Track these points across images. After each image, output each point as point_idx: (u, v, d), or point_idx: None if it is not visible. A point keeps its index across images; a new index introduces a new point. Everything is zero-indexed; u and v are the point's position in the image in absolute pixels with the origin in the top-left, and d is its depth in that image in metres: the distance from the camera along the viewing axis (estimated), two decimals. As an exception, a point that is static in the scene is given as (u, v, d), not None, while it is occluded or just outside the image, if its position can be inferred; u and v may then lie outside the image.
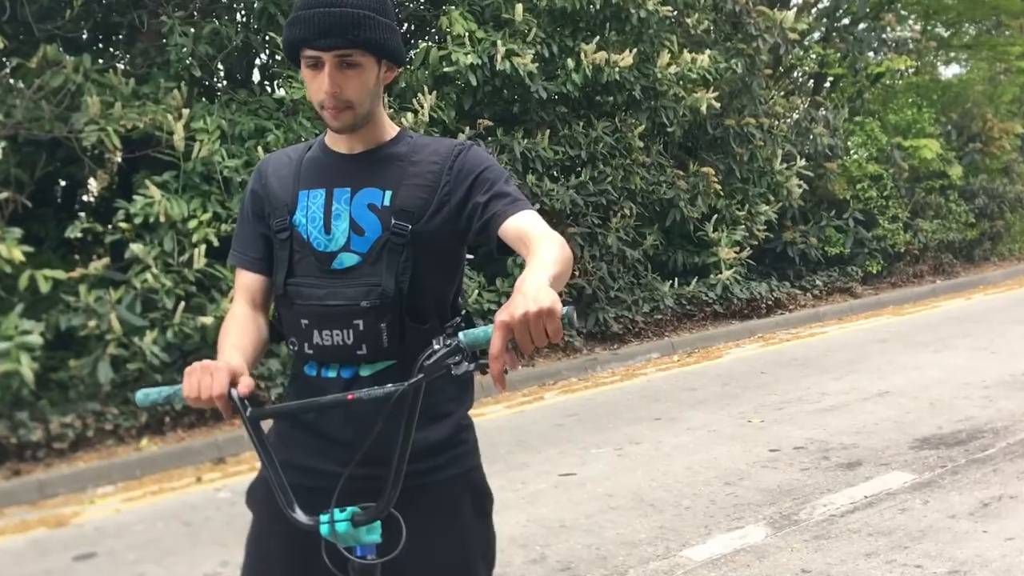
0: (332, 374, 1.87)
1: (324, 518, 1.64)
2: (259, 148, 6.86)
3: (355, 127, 1.85)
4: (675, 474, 5.13)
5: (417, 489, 1.79)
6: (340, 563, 1.68)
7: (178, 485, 5.65)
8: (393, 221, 1.84)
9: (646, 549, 4.11)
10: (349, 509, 1.66)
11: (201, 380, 1.69)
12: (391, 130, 1.95)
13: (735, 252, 10.22)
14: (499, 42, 8.08)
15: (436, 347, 1.56)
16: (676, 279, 9.98)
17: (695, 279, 10.02)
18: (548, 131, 8.78)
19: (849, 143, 12.39)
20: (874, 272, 12.04)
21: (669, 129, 9.94)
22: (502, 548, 4.22)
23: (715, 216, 10.23)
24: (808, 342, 9.32)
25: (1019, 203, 14.16)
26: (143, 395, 1.78)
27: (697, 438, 5.86)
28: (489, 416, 6.97)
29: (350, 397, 1.66)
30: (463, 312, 1.91)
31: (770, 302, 10.60)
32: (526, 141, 8.56)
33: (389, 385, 1.64)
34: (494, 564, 1.96)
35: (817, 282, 11.47)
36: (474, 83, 7.98)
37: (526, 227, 1.74)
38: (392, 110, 7.75)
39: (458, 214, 1.85)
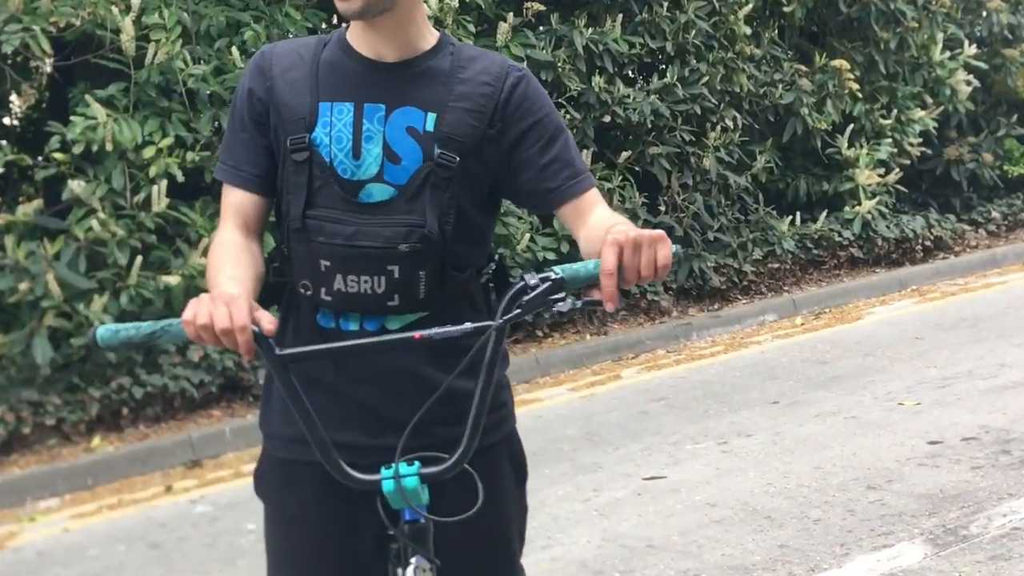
0: (354, 326, 2.05)
1: (387, 472, 1.86)
2: (233, 50, 6.90)
3: (366, 13, 1.99)
4: (799, 476, 5.15)
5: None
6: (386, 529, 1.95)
7: (142, 496, 5.80)
8: (438, 150, 1.99)
9: None
10: (416, 463, 1.87)
11: (214, 310, 1.78)
12: (431, 37, 2.08)
13: (879, 176, 10.15)
14: None
15: (531, 282, 1.79)
16: (798, 214, 9.95)
17: (824, 214, 9.99)
18: (620, 16, 8.72)
19: (1038, 21, 12.10)
20: (1074, 198, 11.83)
21: (787, 8, 9.83)
22: (571, 573, 4.28)
23: (851, 127, 10.15)
24: (982, 296, 9.25)
25: None
26: (108, 332, 1.81)
27: (830, 427, 5.87)
28: (548, 402, 7.04)
29: (417, 337, 1.85)
30: (495, 257, 2.16)
31: (928, 243, 10.55)
32: (591, 30, 8.53)
33: (467, 324, 1.85)
34: (524, 540, 2.24)
35: (994, 214, 11.34)
36: (519, -48, 7.96)
37: (595, 212, 2.03)
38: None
39: (507, 160, 2.05)
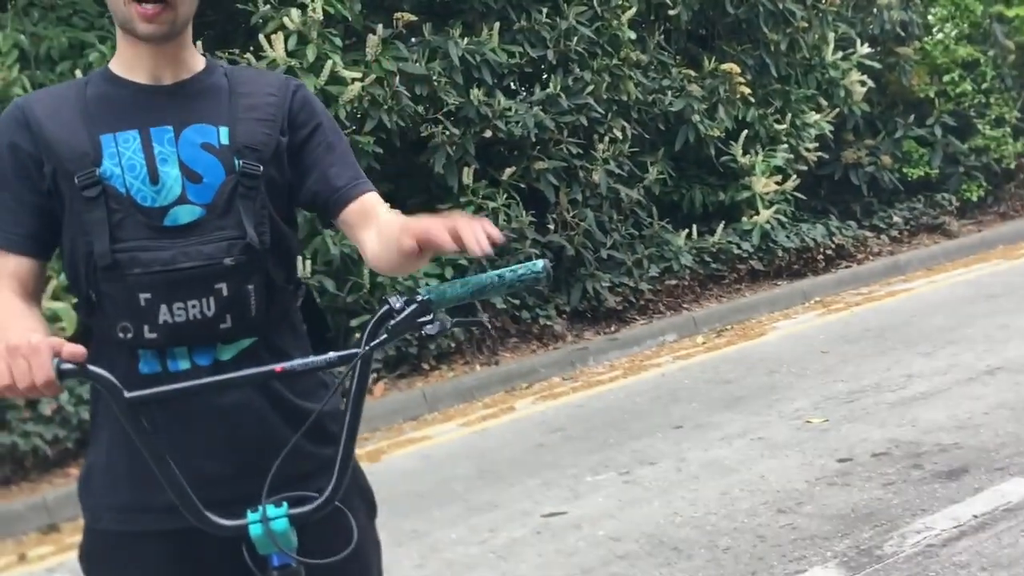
0: (184, 364, 2.05)
1: (254, 516, 1.86)
2: (77, 73, 6.77)
3: (171, 35, 2.07)
4: (707, 503, 5.22)
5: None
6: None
7: (-8, 568, 5.63)
8: (239, 161, 2.08)
9: (671, 611, 4.18)
10: (283, 504, 1.88)
11: (12, 365, 1.77)
12: (200, 59, 2.18)
13: (776, 183, 10.35)
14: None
15: (396, 305, 1.85)
16: (695, 227, 10.09)
17: (721, 225, 10.15)
18: (497, 24, 8.79)
19: (930, 17, 12.51)
20: (974, 200, 12.20)
21: (672, 11, 9.99)
22: (466, 624, 4.26)
23: (745, 133, 10.35)
24: (886, 305, 9.48)
25: None
26: None
27: (736, 450, 5.96)
28: (438, 439, 7.02)
29: (279, 369, 1.90)
30: (303, 285, 2.25)
31: (830, 251, 10.77)
32: (467, 40, 8.57)
33: (332, 353, 1.90)
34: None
35: (895, 219, 11.63)
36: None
37: (382, 211, 2.15)
38: (269, 6, 7.70)
39: (295, 164, 2.16)
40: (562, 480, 5.83)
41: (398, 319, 1.85)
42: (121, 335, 2.02)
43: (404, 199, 8.58)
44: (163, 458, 1.84)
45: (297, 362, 1.91)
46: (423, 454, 6.68)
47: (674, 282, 9.76)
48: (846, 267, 10.77)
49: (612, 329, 9.22)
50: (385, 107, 7.95)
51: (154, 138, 2.05)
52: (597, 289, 9.16)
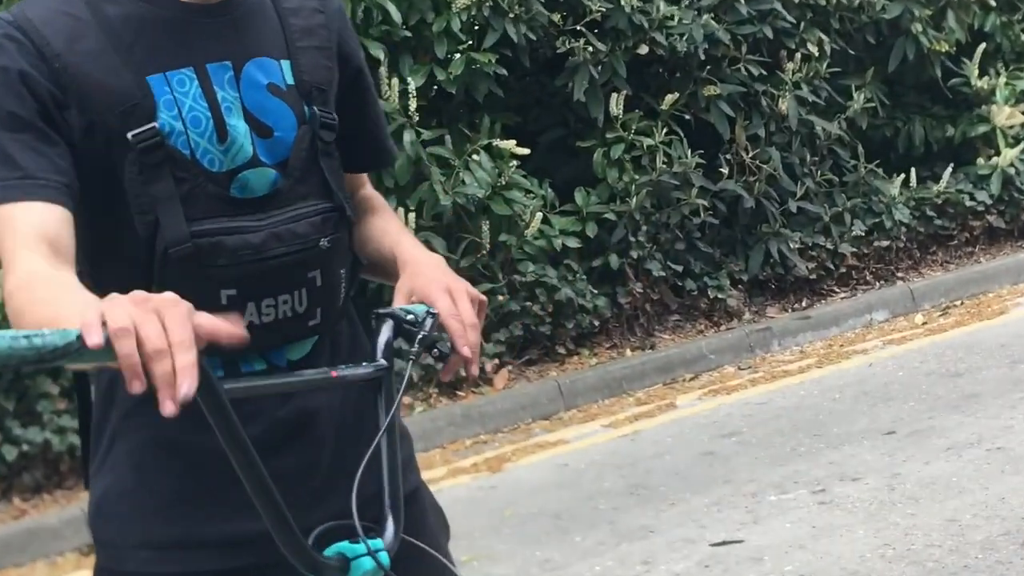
0: (260, 365, 2.03)
1: (358, 549, 1.84)
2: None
3: None
4: (928, 533, 5.16)
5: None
6: None
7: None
8: (311, 107, 2.06)
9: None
10: (373, 535, 1.89)
11: (141, 321, 1.50)
12: None
13: (1023, 114, 10.12)
14: None
15: (409, 315, 1.97)
16: (913, 171, 9.98)
17: (949, 169, 10.01)
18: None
19: None
20: None
21: None
22: None
23: (982, 48, 10.17)
24: None
25: None
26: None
27: (967, 464, 5.88)
28: (577, 445, 7.06)
29: (334, 375, 1.93)
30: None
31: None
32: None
33: (380, 360, 1.95)
34: None
35: None
36: None
37: (367, 190, 2.31)
38: None
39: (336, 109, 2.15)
40: (737, 499, 5.81)
41: (427, 331, 1.95)
42: None
43: (534, 135, 8.61)
44: (262, 473, 1.75)
45: (348, 370, 1.96)
46: (558, 463, 6.70)
47: (885, 243, 9.66)
48: (1117, 225, 10.54)
49: (803, 304, 9.17)
50: (511, 15, 7.96)
51: (213, 79, 1.97)
52: (784, 252, 9.10)
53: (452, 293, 1.97)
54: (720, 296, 8.86)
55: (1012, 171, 10.06)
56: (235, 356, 1.96)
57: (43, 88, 1.89)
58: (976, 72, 10.07)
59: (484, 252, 7.85)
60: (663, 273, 8.63)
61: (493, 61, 7.91)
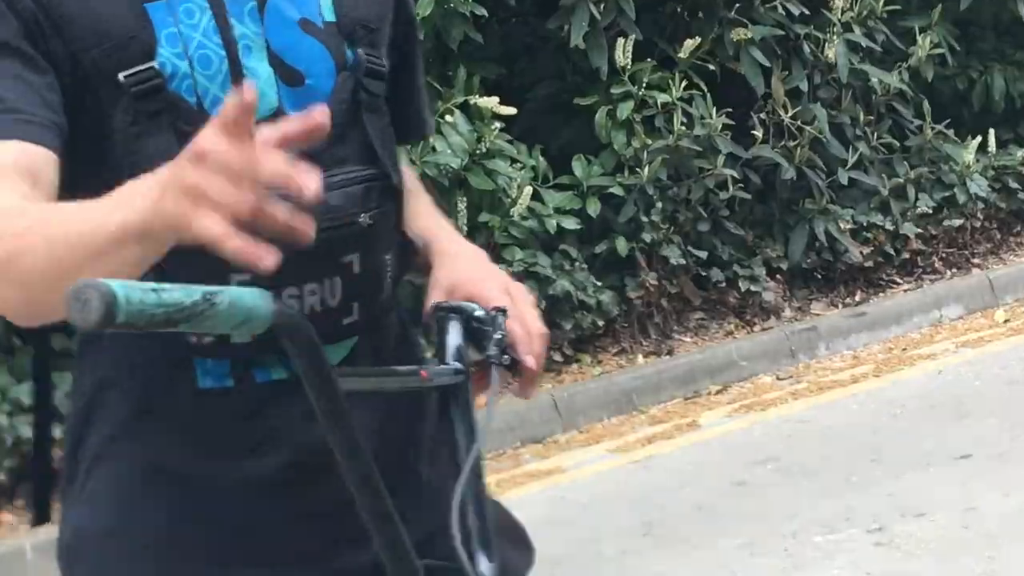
0: (279, 374, 1.98)
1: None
2: None
3: None
4: (1011, 579, 5.17)
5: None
6: None
7: None
8: (360, 53, 2.02)
9: None
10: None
11: (203, 178, 1.49)
12: None
13: None
14: None
15: (477, 313, 2.01)
16: (992, 134, 10.01)
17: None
18: None
19: None
20: None
21: None
22: None
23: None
24: None
25: None
26: (125, 290, 1.50)
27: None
28: (577, 473, 7.07)
29: (424, 374, 1.99)
30: None
31: None
32: None
33: (447, 365, 2.01)
34: None
35: None
36: None
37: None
38: None
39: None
40: (776, 540, 5.81)
41: (504, 333, 2.01)
42: (194, 338, 1.94)
43: (521, 90, 8.61)
44: (379, 490, 1.80)
45: (435, 367, 2.01)
46: (554, 496, 6.72)
47: (958, 222, 9.69)
48: None
49: (856, 299, 9.19)
50: (492, -58, 7.97)
51: (230, 9, 1.94)
52: (832, 234, 9.12)
53: (512, 295, 2.03)
54: (753, 289, 8.86)
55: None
56: (249, 361, 1.96)
57: (27, 8, 1.87)
58: (1069, 10, 10.09)
59: (461, 235, 7.83)
60: (683, 261, 8.62)
61: (470, 1, 7.92)
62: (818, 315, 8.98)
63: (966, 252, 9.69)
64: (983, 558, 5.38)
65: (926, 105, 9.79)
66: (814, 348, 8.57)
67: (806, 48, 9.14)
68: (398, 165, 2.09)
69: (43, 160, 1.83)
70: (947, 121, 9.88)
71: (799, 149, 9.05)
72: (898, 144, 9.71)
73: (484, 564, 1.92)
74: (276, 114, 1.90)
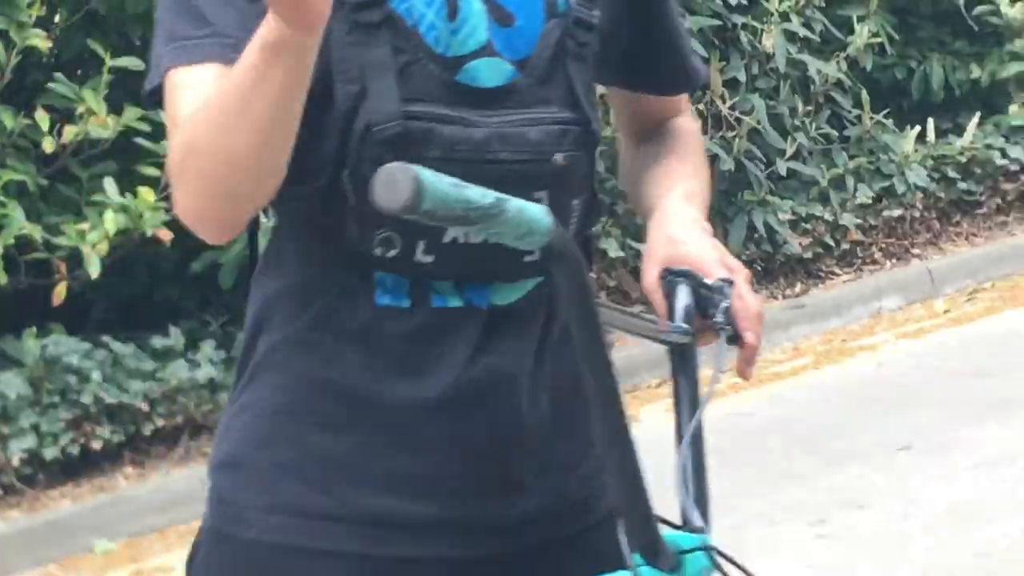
0: (456, 301, 2.04)
1: (688, 541, 2.01)
2: None
3: None
4: (951, 569, 5.20)
5: (570, 545, 2.16)
6: None
7: None
8: (571, 1, 2.07)
9: None
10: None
11: None
12: None
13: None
14: None
15: (706, 280, 2.09)
16: (931, 122, 10.08)
17: (975, 119, 10.09)
18: None
19: None
20: None
21: None
22: None
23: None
24: None
25: None
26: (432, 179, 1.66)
27: (999, 487, 5.98)
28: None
29: (663, 326, 2.06)
30: None
31: None
32: None
33: (678, 324, 2.08)
34: None
35: None
36: None
37: (682, 118, 2.36)
38: None
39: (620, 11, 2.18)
40: (717, 533, 5.78)
41: (731, 303, 2.09)
42: (379, 250, 1.97)
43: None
44: (626, 439, 1.93)
45: (674, 325, 2.08)
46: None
47: (897, 213, 9.74)
48: None
49: (796, 290, 9.23)
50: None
51: None
52: (771, 225, 9.14)
53: (732, 272, 2.08)
54: (692, 281, 8.86)
55: (1052, 121, 10.15)
56: (428, 285, 2.01)
57: None
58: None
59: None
60: (621, 253, 8.63)
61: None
62: (758, 307, 8.99)
63: (906, 242, 9.73)
64: (925, 548, 5.40)
65: (865, 95, 9.83)
66: (754, 340, 8.57)
67: (743, 38, 9.16)
68: (597, 114, 2.12)
69: None
70: (886, 111, 9.92)
71: (737, 140, 9.07)
72: (837, 134, 9.74)
73: (699, 520, 2.03)
74: (485, 50, 2.00)
